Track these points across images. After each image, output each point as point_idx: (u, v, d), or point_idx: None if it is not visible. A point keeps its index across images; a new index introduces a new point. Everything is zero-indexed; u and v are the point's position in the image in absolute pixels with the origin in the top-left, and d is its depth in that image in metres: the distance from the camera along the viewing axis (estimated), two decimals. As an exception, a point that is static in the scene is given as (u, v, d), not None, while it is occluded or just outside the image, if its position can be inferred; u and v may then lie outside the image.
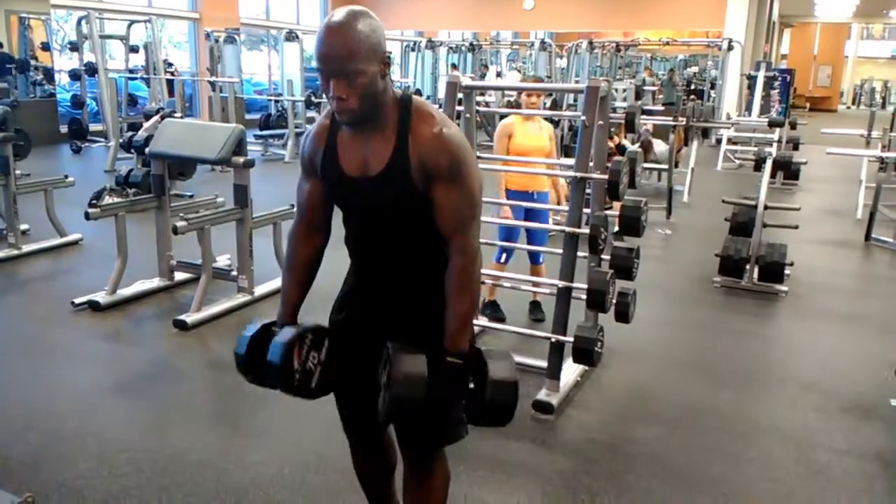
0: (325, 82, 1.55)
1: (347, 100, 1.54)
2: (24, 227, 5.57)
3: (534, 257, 4.18)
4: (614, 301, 3.28)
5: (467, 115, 3.69)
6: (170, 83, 10.54)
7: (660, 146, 8.11)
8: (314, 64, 1.56)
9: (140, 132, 6.67)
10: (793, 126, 9.38)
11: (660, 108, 9.05)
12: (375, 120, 1.60)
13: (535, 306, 4.31)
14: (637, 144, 6.30)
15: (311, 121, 11.58)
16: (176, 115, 7.54)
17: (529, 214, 4.09)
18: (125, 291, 4.48)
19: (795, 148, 8.75)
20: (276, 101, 11.89)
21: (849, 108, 26.68)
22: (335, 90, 1.53)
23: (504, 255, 4.12)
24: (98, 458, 2.73)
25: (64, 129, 11.04)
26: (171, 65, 11.82)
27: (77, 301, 4.32)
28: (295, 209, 1.82)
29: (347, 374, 1.80)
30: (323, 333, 1.74)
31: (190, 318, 4.08)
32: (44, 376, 3.50)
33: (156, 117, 6.65)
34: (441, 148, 1.60)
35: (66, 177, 5.77)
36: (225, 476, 2.63)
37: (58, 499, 2.47)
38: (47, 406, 3.16)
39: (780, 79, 14.84)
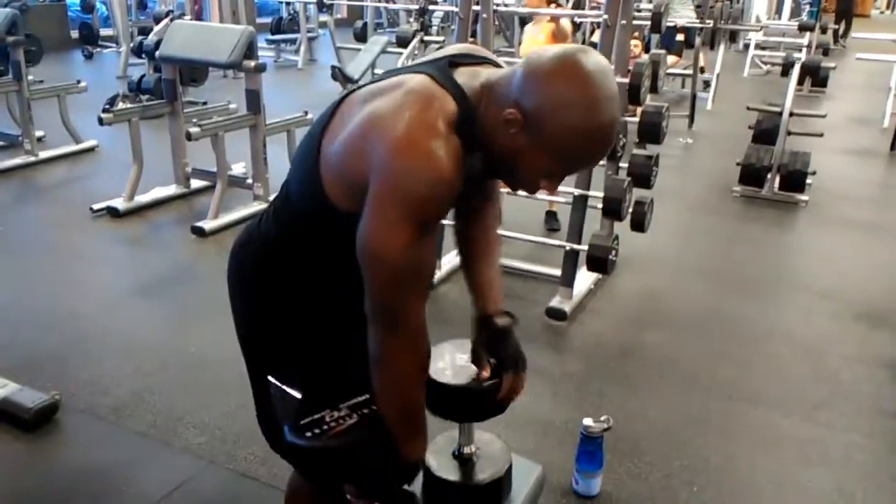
0: (551, 176, 1.15)
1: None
2: (39, 133, 5.56)
3: None
4: (630, 209, 3.25)
5: (484, 16, 3.57)
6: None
7: None
8: (559, 170, 1.13)
9: (150, 36, 6.52)
10: (823, 30, 9.00)
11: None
12: None
13: (550, 216, 4.29)
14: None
15: (323, 25, 11.22)
16: (185, 17, 7.37)
17: None
18: (143, 198, 4.51)
19: (825, 53, 8.43)
20: (288, 4, 11.54)
21: (882, 13, 25.50)
22: (554, 187, 1.17)
23: None
24: (123, 357, 2.81)
25: (75, 34, 10.84)
26: None
27: (96, 207, 4.36)
28: (397, 301, 1.14)
29: None
30: None
31: (207, 224, 4.12)
32: (67, 280, 3.57)
33: (166, 20, 6.49)
34: None
35: (79, 82, 5.71)
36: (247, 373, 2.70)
37: (84, 396, 2.56)
38: (71, 307, 3.24)
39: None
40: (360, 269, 1.12)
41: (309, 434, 1.20)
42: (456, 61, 1.18)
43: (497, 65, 1.23)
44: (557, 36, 3.89)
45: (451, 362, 1.43)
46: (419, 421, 1.25)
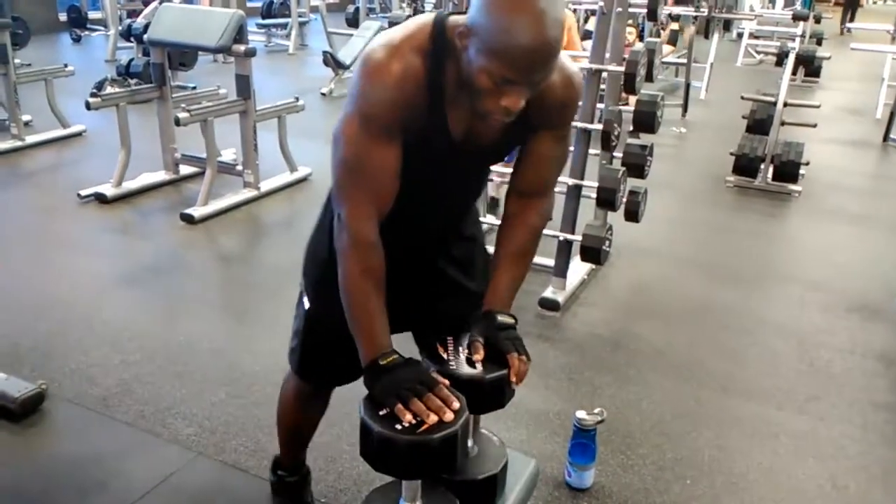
0: (496, 90, 1.14)
1: (518, 106, 1.18)
2: (26, 117, 5.48)
3: None
4: (625, 199, 3.23)
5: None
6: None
7: None
8: (495, 70, 1.12)
9: (139, 19, 6.45)
10: (817, 20, 8.99)
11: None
12: None
13: (494, 203, 4.19)
14: None
15: (314, 9, 11.13)
16: (174, 0, 7.26)
17: None
18: (131, 184, 4.45)
19: (819, 43, 8.42)
20: (279, -12, 11.40)
21: (875, 3, 25.55)
22: (513, 102, 1.16)
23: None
24: (110, 346, 2.77)
25: (63, 17, 10.70)
26: None
27: (83, 193, 4.30)
28: (344, 191, 1.27)
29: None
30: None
31: (197, 211, 4.07)
32: (53, 267, 3.52)
33: (154, 3, 6.41)
34: (573, 98, 1.33)
35: (66, 66, 5.62)
36: (236, 363, 2.68)
37: (70, 386, 2.52)
38: (58, 296, 3.20)
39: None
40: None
41: (399, 427, 1.18)
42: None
43: None
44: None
45: (456, 356, 1.41)
46: (361, 325, 1.28)
